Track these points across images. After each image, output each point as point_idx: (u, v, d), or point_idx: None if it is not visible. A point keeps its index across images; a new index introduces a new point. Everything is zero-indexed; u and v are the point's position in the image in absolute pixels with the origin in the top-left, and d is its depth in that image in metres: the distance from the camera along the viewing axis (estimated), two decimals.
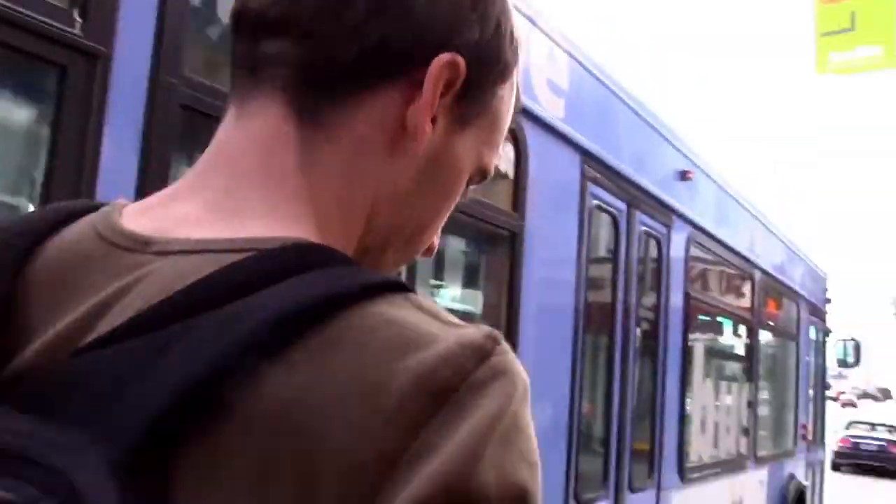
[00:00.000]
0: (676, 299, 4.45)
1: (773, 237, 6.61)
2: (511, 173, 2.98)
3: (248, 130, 0.55)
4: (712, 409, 5.19)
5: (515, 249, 2.97)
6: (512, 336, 2.95)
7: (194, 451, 0.41)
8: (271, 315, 0.43)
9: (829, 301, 8.77)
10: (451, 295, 2.82)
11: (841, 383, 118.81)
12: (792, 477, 7.15)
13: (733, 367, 5.96)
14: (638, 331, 4.23)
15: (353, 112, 0.55)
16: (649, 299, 4.26)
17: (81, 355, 0.45)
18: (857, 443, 23.99)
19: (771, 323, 6.74)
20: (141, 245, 0.50)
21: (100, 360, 0.44)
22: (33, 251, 0.52)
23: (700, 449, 4.96)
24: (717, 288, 5.52)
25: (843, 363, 9.04)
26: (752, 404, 5.88)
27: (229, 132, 0.56)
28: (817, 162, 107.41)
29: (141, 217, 0.53)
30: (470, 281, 2.92)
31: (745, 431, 5.78)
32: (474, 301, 2.95)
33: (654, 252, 4.30)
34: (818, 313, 8.35)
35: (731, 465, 5.39)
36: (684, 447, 4.61)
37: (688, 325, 4.61)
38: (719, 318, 5.63)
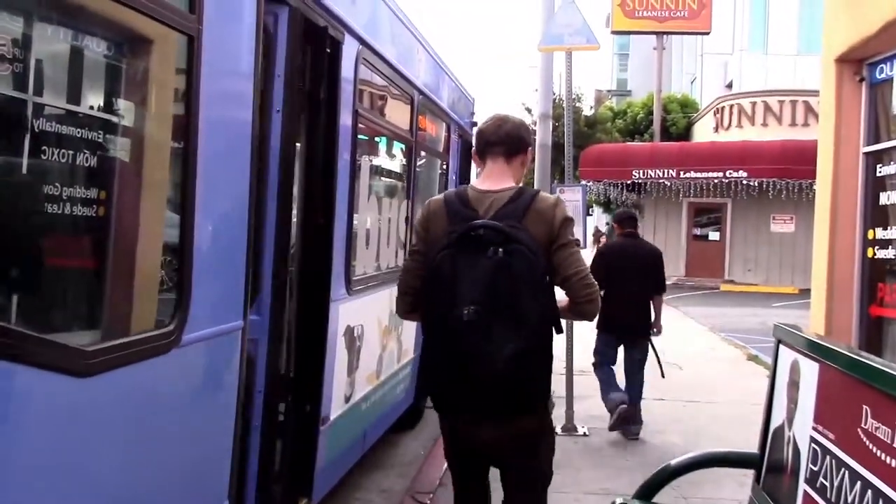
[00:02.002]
0: (346, 117, 4.46)
1: (432, 60, 6.82)
2: None
3: (495, 163, 3.27)
4: (376, 225, 5.39)
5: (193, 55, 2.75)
6: (189, 152, 2.77)
7: (528, 217, 3.05)
8: (527, 200, 3.12)
9: (475, 124, 9.37)
10: (103, 103, 2.54)
11: None
12: None
13: (395, 185, 6.20)
14: (299, 147, 4.21)
15: (516, 159, 3.30)
16: (322, 118, 4.23)
17: (486, 222, 3.03)
18: None
19: (427, 143, 7.08)
20: (484, 192, 3.16)
21: (499, 218, 3.04)
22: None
23: (364, 263, 5.18)
24: (384, 107, 5.63)
25: None
26: (409, 220, 6.21)
27: (490, 165, 3.27)
28: None
29: (479, 186, 3.22)
30: (131, 89, 2.65)
31: (404, 246, 6.12)
32: (137, 112, 2.69)
33: (326, 67, 4.23)
34: (466, 135, 8.90)
35: (390, 277, 5.71)
36: (350, 262, 4.78)
37: (355, 143, 4.67)
38: (385, 138, 5.77)
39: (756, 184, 24.75)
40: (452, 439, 3.28)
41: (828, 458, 2.86)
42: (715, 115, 29.41)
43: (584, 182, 7.02)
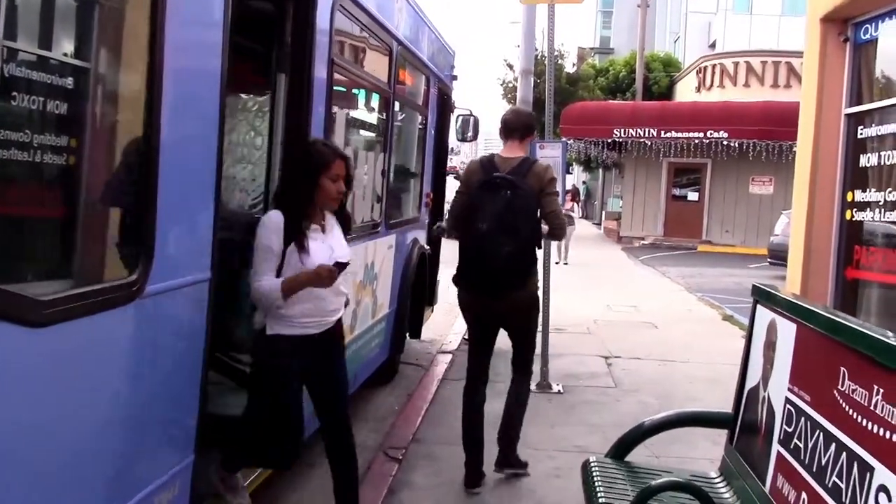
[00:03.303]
0: (321, 68, 4.33)
1: (412, 9, 6.66)
2: None
3: (512, 142, 5.00)
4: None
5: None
6: (154, 98, 2.65)
7: (528, 175, 4.79)
8: (529, 164, 4.86)
9: (455, 78, 9.21)
10: (73, 49, 2.41)
11: (453, 158, 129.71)
12: (416, 242, 7.70)
13: (371, 138, 6.08)
14: (282, 96, 4.09)
15: (526, 139, 5.06)
16: (297, 58, 4.10)
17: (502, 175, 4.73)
18: None
19: (405, 96, 6.94)
20: (505, 158, 4.90)
21: (510, 174, 4.74)
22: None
23: None
24: (360, 57, 5.49)
25: (462, 137, 9.68)
26: (385, 174, 6.10)
27: (509, 143, 5.00)
28: None
29: (502, 154, 4.96)
30: (99, 36, 2.52)
31: (378, 199, 6.02)
32: (103, 58, 2.56)
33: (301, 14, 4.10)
34: (446, 88, 8.75)
35: (365, 231, 5.62)
36: None
37: (331, 94, 4.54)
38: (360, 87, 5.64)
39: (736, 144, 24.73)
40: (472, 310, 4.96)
41: (802, 419, 2.83)
42: (697, 74, 29.27)
43: (564, 139, 6.93)
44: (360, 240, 5.35)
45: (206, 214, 3.14)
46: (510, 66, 31.53)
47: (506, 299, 4.76)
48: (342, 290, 3.79)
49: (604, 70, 36.45)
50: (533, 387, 7.04)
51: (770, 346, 3.28)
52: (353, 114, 5.58)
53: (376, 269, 6.04)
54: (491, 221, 4.57)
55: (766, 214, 24.40)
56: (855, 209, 8.61)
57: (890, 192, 7.98)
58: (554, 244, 15.37)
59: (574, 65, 35.83)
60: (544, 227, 4.85)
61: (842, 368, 2.57)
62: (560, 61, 31.38)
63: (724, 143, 24.90)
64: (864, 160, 8.50)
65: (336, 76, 4.64)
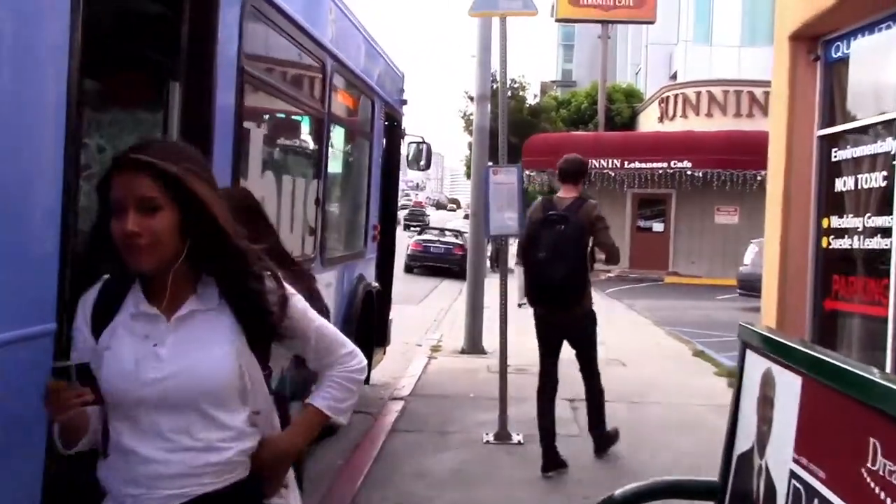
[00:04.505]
0: (227, 74, 3.68)
1: (349, 23, 6.05)
2: None
3: (567, 184, 5.98)
4: (272, 205, 4.60)
5: None
6: None
7: (580, 212, 5.77)
8: (580, 203, 5.82)
9: (405, 102, 8.61)
10: None
11: (419, 194, 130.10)
12: (362, 279, 7.03)
13: (302, 164, 5.42)
14: (176, 108, 3.44)
15: (580, 182, 6.11)
16: (195, 65, 3.45)
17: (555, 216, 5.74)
18: (428, 246, 26.02)
19: (343, 117, 6.31)
20: (561, 198, 5.93)
21: (565, 211, 5.75)
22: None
23: None
24: (283, 70, 4.85)
25: (414, 166, 9.08)
26: (319, 202, 5.44)
27: (566, 185, 5.98)
28: None
29: (560, 195, 5.99)
30: None
31: (312, 231, 5.36)
32: None
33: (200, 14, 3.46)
34: (395, 114, 8.15)
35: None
36: None
37: (241, 108, 3.89)
38: (283, 105, 4.98)
39: (700, 174, 24.45)
40: (541, 323, 5.92)
41: (816, 501, 2.19)
42: (660, 104, 29.09)
43: (518, 165, 6.44)
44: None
45: (46, 253, 2.45)
46: (470, 98, 31.14)
47: (565, 313, 5.77)
48: (176, 438, 1.89)
49: (566, 102, 36.24)
50: (490, 437, 6.38)
51: (766, 402, 2.64)
52: (275, 135, 4.91)
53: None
54: (547, 250, 5.58)
55: (732, 244, 24.04)
56: (832, 236, 8.08)
57: (869, 218, 7.47)
58: (518, 288, 14.64)
59: (536, 96, 35.57)
60: (600, 256, 5.82)
61: (872, 440, 1.94)
62: (522, 92, 31.08)
63: (689, 172, 24.62)
64: (839, 184, 7.99)
65: (249, 89, 3.99)
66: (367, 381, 7.49)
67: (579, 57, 55.39)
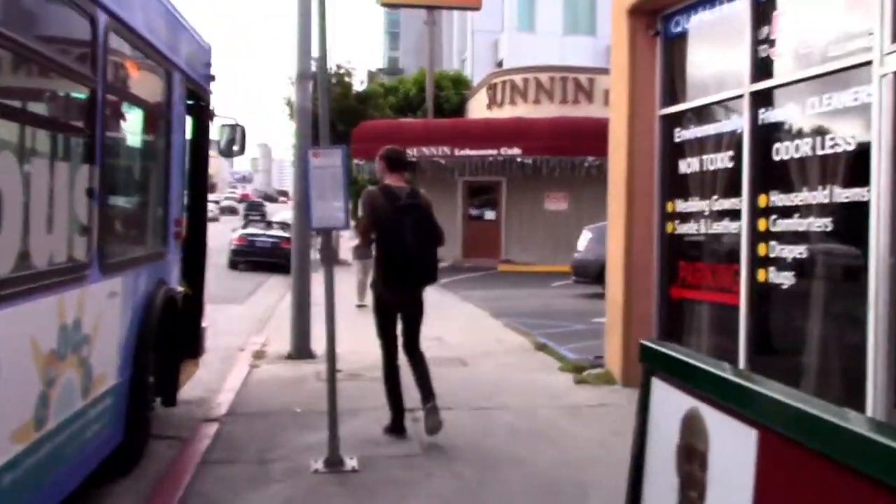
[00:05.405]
0: None
1: None
2: None
3: (399, 174, 6.27)
4: (17, 197, 3.47)
5: None
6: None
7: (420, 199, 6.15)
8: (418, 191, 6.26)
9: (213, 78, 7.50)
10: None
11: (246, 186, 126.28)
12: (161, 284, 5.93)
13: (59, 143, 4.24)
14: None
15: (406, 171, 7.28)
16: None
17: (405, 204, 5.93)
18: (253, 241, 24.63)
19: (125, 89, 5.18)
20: (398, 187, 6.13)
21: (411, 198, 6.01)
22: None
23: None
24: (27, 18, 3.71)
25: (227, 152, 7.99)
26: (93, 193, 4.33)
27: (397, 174, 6.29)
28: None
29: (394, 184, 6.14)
30: None
31: (84, 230, 4.24)
32: None
33: None
34: (199, 90, 7.04)
35: (55, 279, 3.84)
36: None
37: None
38: (30, 67, 3.83)
39: (530, 161, 24.35)
40: (390, 304, 6.13)
41: None
42: (488, 91, 28.88)
43: (343, 146, 5.69)
44: (41, 293, 3.58)
45: None
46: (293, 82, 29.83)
47: (416, 293, 6.14)
48: None
49: (393, 89, 35.50)
50: (320, 464, 5.47)
51: (694, 457, 1.90)
52: (12, 108, 3.73)
53: (84, 329, 4.24)
54: (416, 237, 5.86)
55: (563, 231, 24.12)
56: (677, 220, 7.69)
57: (716, 201, 7.09)
58: (354, 285, 13.92)
59: (363, 82, 34.64)
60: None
61: None
62: (348, 79, 30.05)
63: (518, 160, 24.48)
64: (683, 166, 7.60)
65: None
66: (173, 402, 6.39)
67: (406, 44, 54.93)
